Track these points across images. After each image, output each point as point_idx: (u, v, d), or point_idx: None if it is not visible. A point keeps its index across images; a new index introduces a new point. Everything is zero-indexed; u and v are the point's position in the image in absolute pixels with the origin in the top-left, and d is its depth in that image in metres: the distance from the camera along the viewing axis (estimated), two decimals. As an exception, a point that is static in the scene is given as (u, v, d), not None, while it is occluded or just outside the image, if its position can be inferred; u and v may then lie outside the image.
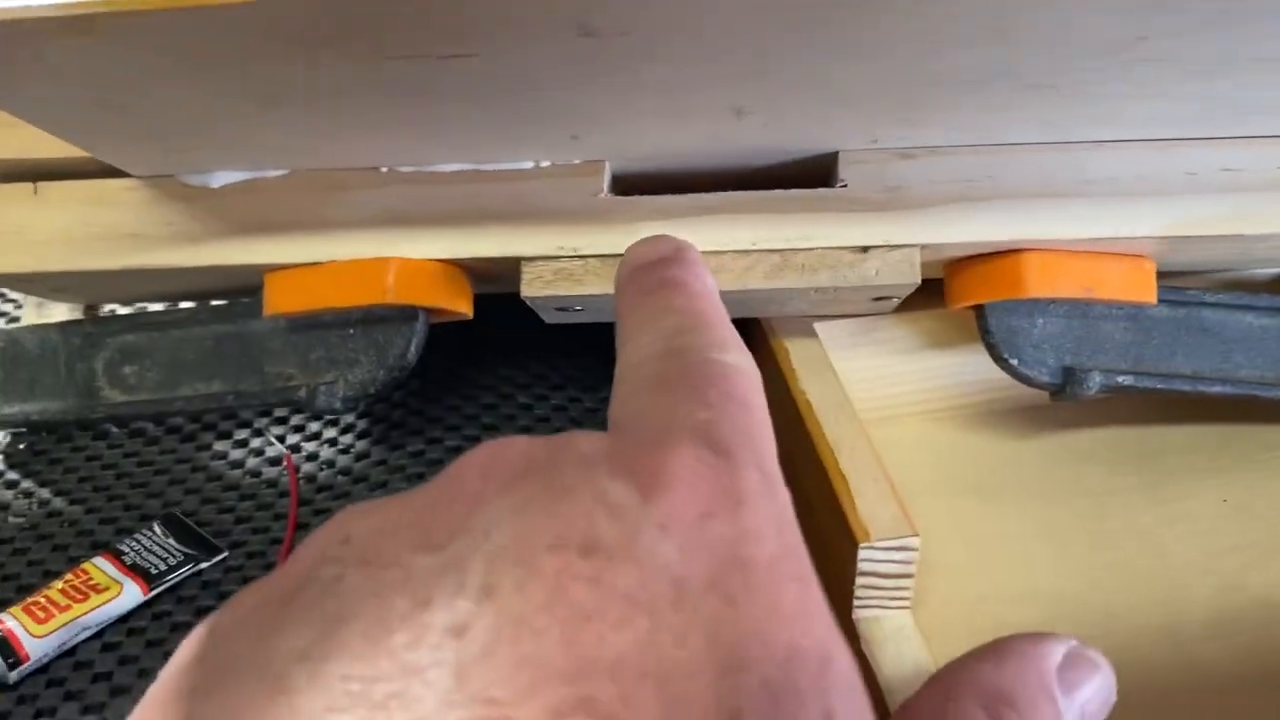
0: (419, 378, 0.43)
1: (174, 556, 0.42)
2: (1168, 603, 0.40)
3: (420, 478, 0.45)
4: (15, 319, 0.53)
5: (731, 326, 0.27)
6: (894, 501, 0.36)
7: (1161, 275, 0.41)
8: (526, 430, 0.47)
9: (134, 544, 0.42)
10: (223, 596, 0.41)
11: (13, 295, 0.55)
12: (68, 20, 0.26)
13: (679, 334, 0.26)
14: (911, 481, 0.41)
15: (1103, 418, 0.46)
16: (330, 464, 0.46)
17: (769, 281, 0.38)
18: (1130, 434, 0.46)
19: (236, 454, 0.47)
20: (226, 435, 0.48)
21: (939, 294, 0.42)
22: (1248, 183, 0.38)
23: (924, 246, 0.38)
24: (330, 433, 0.47)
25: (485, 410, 0.48)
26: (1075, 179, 0.38)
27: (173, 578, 0.41)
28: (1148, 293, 0.40)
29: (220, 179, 0.39)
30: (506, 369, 0.50)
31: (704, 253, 0.37)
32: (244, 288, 0.42)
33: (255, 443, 0.47)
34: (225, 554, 0.42)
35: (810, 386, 0.41)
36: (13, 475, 0.46)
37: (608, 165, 0.39)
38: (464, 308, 0.40)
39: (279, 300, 0.40)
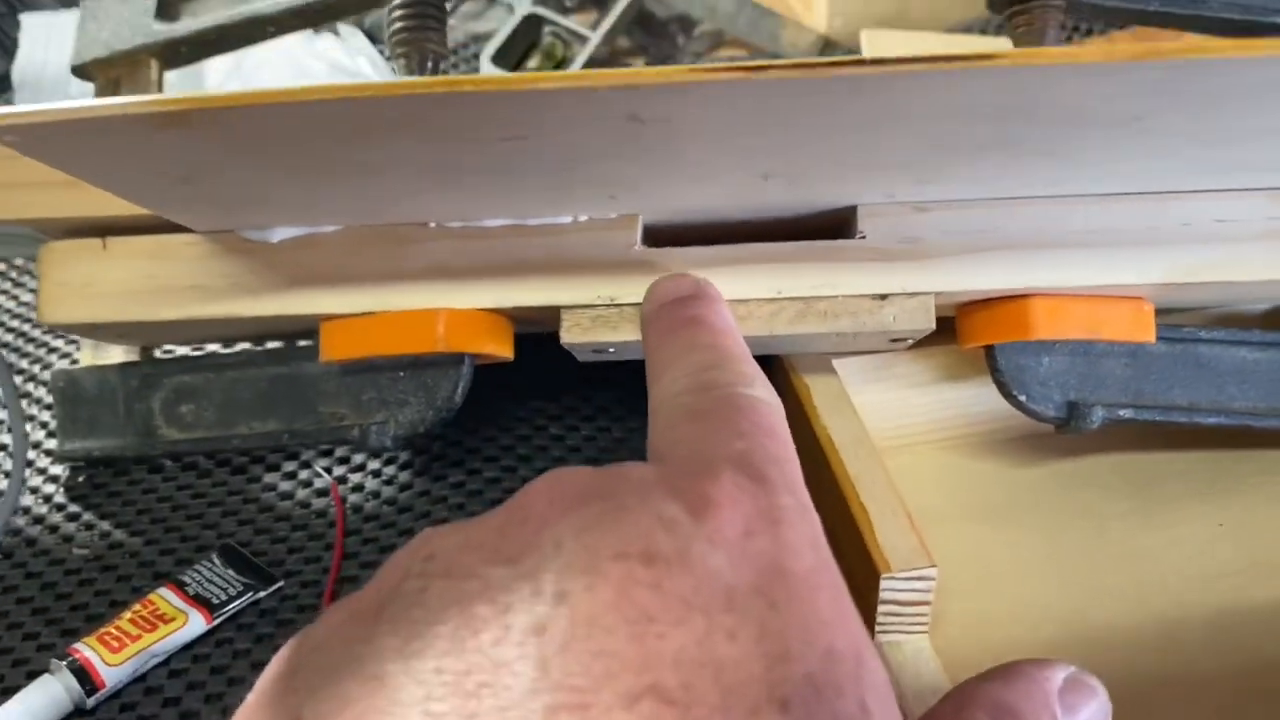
0: (457, 411, 0.45)
1: (233, 586, 0.44)
2: (1166, 621, 0.42)
3: (460, 508, 0.47)
4: (73, 358, 0.56)
5: (753, 361, 0.30)
6: (912, 533, 0.39)
7: (1160, 312, 0.44)
8: (560, 460, 0.50)
9: (195, 575, 0.44)
10: (280, 624, 0.43)
11: (73, 337, 0.57)
12: (166, 115, 0.29)
13: (707, 369, 0.28)
14: (925, 507, 0.43)
15: (1104, 445, 0.49)
16: (376, 495, 0.49)
17: (793, 327, 0.41)
18: (1130, 460, 0.49)
19: (285, 485, 0.50)
20: (275, 468, 0.50)
21: (950, 331, 0.45)
22: (1239, 233, 0.40)
23: (938, 294, 0.41)
24: (374, 465, 0.50)
25: (520, 441, 0.50)
26: (1078, 229, 0.40)
27: (233, 607, 0.44)
28: (1147, 332, 0.43)
29: (279, 234, 0.41)
30: (539, 401, 0.52)
31: (732, 300, 0.40)
32: (298, 331, 0.45)
33: (303, 474, 0.50)
34: (281, 583, 0.45)
35: (831, 422, 0.44)
36: (74, 508, 0.49)
37: (641, 219, 0.41)
38: (506, 352, 0.43)
39: (334, 348, 0.42)
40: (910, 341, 0.44)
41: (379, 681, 0.20)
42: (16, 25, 0.70)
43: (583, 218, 0.41)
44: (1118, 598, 0.43)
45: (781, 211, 0.41)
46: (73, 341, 0.57)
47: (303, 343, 0.45)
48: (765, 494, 0.23)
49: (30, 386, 0.55)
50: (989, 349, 0.43)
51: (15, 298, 0.62)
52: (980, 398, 0.49)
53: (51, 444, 0.52)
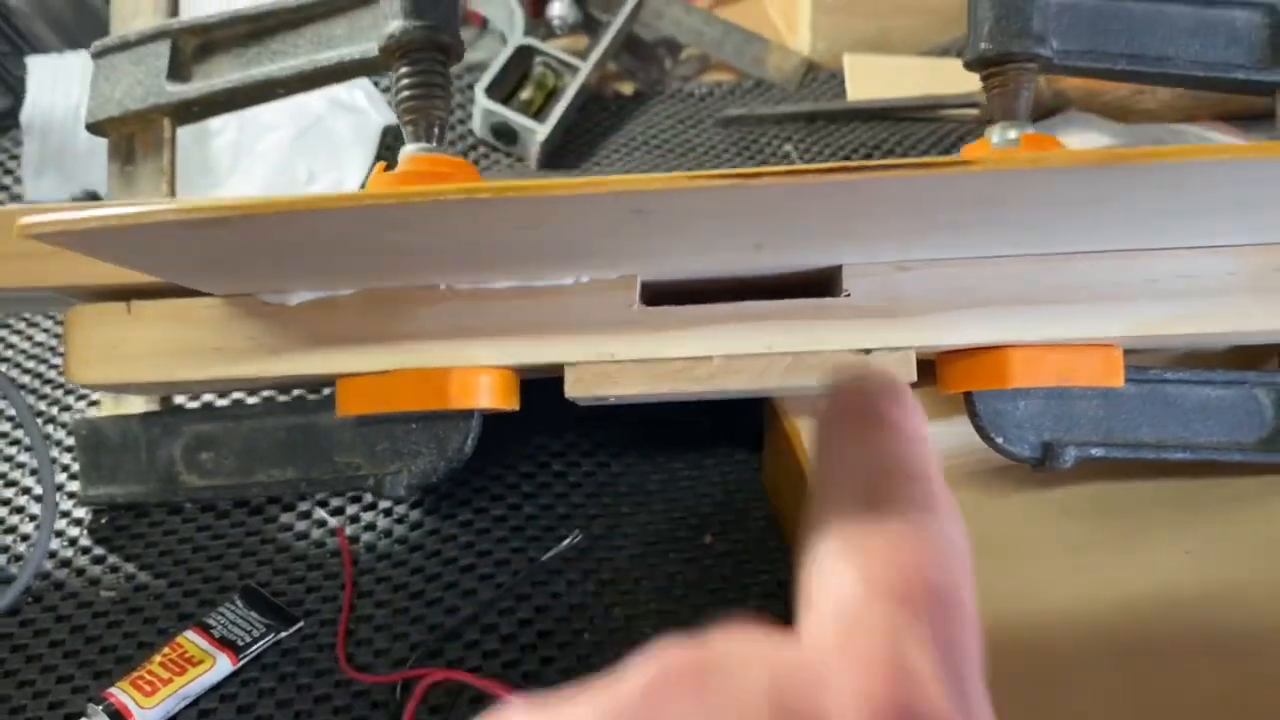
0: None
1: (256, 628, 0.47)
2: (1134, 652, 0.45)
3: (469, 546, 0.50)
4: (91, 398, 0.58)
5: (940, 477, 0.25)
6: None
7: (1128, 351, 0.46)
8: (561, 497, 0.52)
9: (220, 617, 0.47)
10: (302, 663, 0.46)
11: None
12: (210, 220, 0.31)
13: (885, 478, 0.24)
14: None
15: (1079, 475, 0.51)
16: (388, 533, 0.51)
17: (783, 380, 0.44)
18: (1103, 489, 0.51)
19: (301, 525, 0.52)
20: (291, 508, 0.53)
21: (931, 373, 0.47)
22: (1203, 288, 0.43)
23: (920, 348, 0.44)
24: (386, 503, 0.52)
25: (524, 479, 0.53)
26: (1052, 286, 0.43)
27: (256, 648, 0.46)
28: (1116, 377, 0.45)
29: (297, 298, 0.44)
30: (542, 438, 0.55)
31: (725, 356, 0.43)
32: (321, 382, 0.47)
33: (319, 513, 0.52)
34: (301, 623, 0.47)
35: (821, 465, 0.46)
36: (99, 550, 0.51)
37: (639, 279, 0.44)
38: (513, 404, 0.45)
39: (350, 404, 0.44)
40: (894, 387, 0.47)
41: None
42: (20, 64, 0.72)
43: (585, 278, 0.43)
44: (1090, 626, 0.46)
45: (772, 270, 0.44)
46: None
47: (318, 395, 0.48)
48: None
49: (50, 429, 0.57)
50: (968, 395, 0.46)
51: (30, 338, 0.63)
52: (959, 432, 0.51)
53: (74, 486, 0.54)
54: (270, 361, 0.44)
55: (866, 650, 0.21)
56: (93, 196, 0.67)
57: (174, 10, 0.53)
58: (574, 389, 0.44)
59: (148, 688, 0.43)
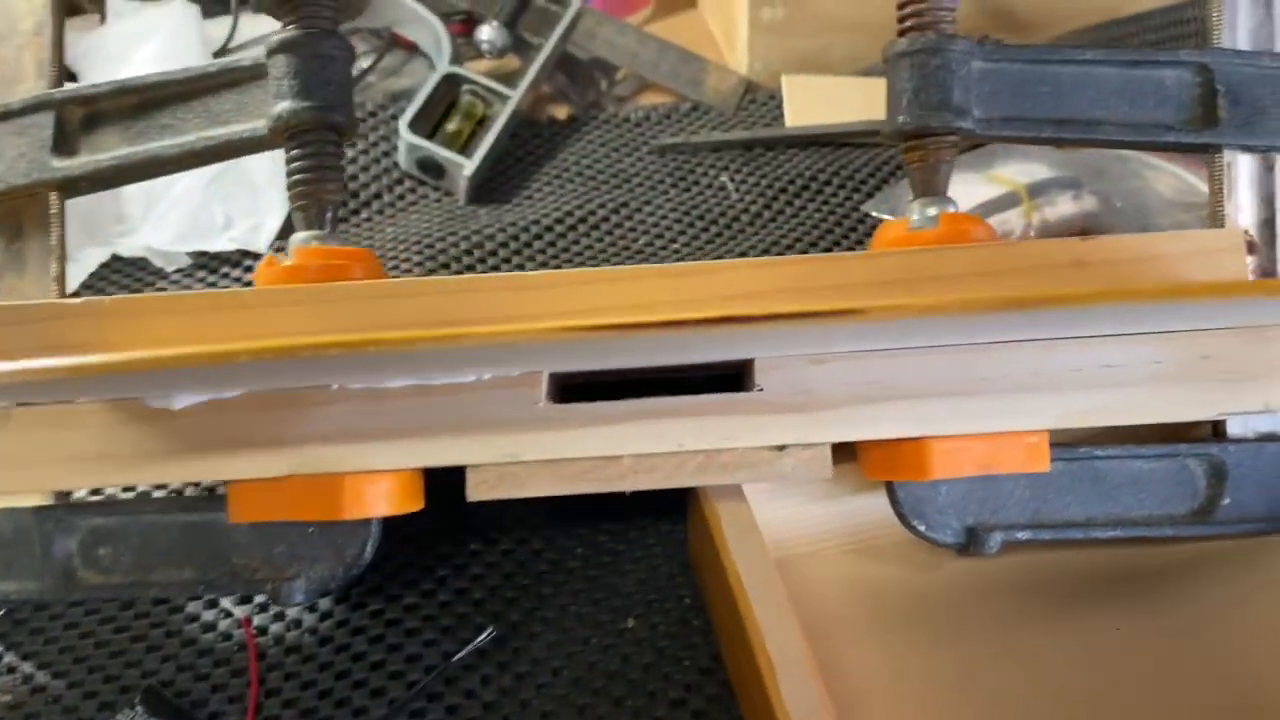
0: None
1: (156, 736, 0.45)
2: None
3: (379, 640, 0.48)
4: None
5: None
6: (815, 685, 0.40)
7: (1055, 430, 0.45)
8: (478, 580, 0.50)
9: (118, 726, 0.45)
10: (204, 772, 0.44)
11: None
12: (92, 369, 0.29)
13: None
14: (835, 618, 0.45)
15: (1008, 549, 0.50)
16: (297, 623, 0.49)
17: (696, 479, 0.42)
18: (1033, 561, 0.50)
19: (209, 615, 0.50)
20: (197, 596, 0.51)
21: (853, 449, 0.46)
22: (1127, 377, 0.42)
23: (836, 443, 0.42)
24: (295, 591, 0.50)
25: (440, 561, 0.51)
26: (971, 377, 0.42)
27: (157, 758, 0.44)
28: (1042, 463, 0.44)
29: (181, 401, 0.41)
30: (455, 516, 0.53)
31: (637, 455, 0.41)
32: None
33: (225, 603, 0.50)
34: (204, 728, 0.46)
35: (740, 558, 0.45)
36: (-4, 648, 0.49)
37: (545, 375, 0.42)
38: (416, 505, 0.44)
39: (241, 511, 0.43)
40: (814, 474, 0.45)
41: None
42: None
43: (486, 375, 0.42)
44: (1021, 709, 0.45)
45: (683, 363, 0.42)
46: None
47: (212, 496, 0.45)
48: None
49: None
50: (888, 482, 0.44)
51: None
52: (883, 506, 0.50)
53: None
54: (157, 468, 0.42)
55: None
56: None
57: (58, 78, 0.50)
58: (476, 491, 0.42)
59: (37, 811, 0.42)
